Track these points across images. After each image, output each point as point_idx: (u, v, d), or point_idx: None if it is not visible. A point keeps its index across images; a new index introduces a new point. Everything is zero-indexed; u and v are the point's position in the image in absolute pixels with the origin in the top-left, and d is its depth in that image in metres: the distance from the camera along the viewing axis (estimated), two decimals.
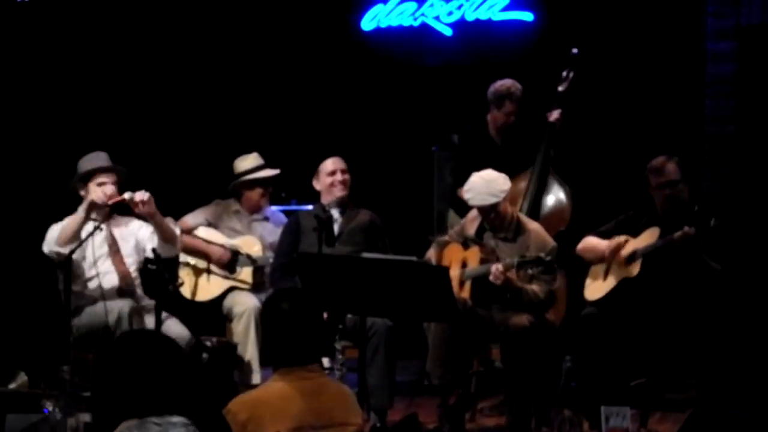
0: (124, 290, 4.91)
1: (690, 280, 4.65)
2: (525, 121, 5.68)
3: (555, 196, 5.57)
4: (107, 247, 4.95)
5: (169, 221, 5.05)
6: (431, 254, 5.19)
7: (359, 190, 5.39)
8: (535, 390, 4.65)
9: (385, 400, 4.76)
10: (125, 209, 5.03)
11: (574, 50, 5.62)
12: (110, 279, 4.91)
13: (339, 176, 5.20)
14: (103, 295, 4.83)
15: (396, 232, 5.49)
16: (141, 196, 4.77)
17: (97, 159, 4.99)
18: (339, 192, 5.19)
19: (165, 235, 4.91)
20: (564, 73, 5.61)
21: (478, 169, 5.10)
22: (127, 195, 4.80)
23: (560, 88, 5.60)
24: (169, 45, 7.18)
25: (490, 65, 6.25)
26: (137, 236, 5.04)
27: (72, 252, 4.66)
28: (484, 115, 5.76)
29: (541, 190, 5.53)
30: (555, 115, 5.57)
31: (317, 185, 5.29)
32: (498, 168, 5.04)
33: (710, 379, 4.76)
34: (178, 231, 5.06)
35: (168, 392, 2.49)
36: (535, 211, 5.42)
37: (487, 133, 5.74)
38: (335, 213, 5.19)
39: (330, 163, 5.24)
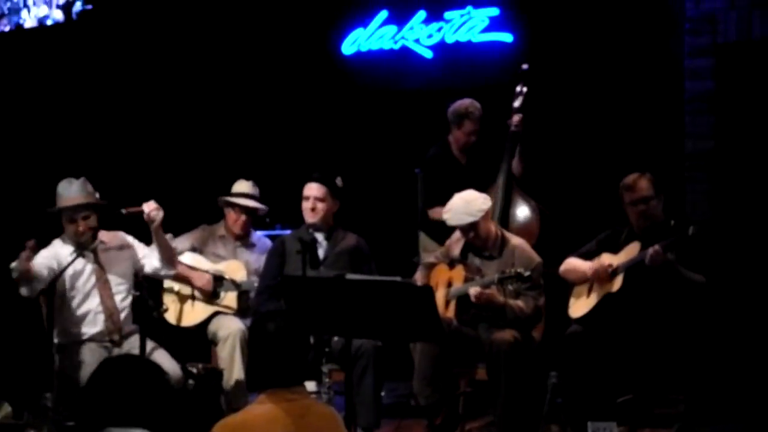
0: (111, 330, 4.86)
1: (672, 294, 4.67)
2: (488, 139, 5.73)
3: (521, 212, 5.60)
4: (95, 279, 4.89)
5: (168, 238, 5.05)
6: (418, 276, 5.21)
7: (343, 213, 5.40)
8: (521, 406, 4.65)
9: (372, 421, 4.76)
10: (113, 226, 5.02)
11: (525, 66, 5.70)
12: (98, 320, 4.84)
13: (310, 203, 5.17)
14: (91, 338, 4.82)
15: (380, 255, 5.50)
16: (151, 206, 4.83)
17: (73, 188, 4.86)
18: (309, 218, 5.17)
19: (165, 254, 4.91)
20: (518, 89, 5.68)
21: (445, 189, 5.16)
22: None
23: (515, 104, 5.66)
24: (152, 70, 7.22)
25: (471, 87, 6.29)
26: (133, 260, 4.98)
27: (54, 280, 4.62)
28: (446, 136, 5.83)
29: (507, 203, 5.56)
30: (515, 119, 5.61)
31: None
32: (464, 187, 5.08)
33: (697, 393, 4.77)
34: (178, 247, 5.11)
35: (153, 417, 2.48)
36: (503, 225, 5.43)
37: (450, 153, 5.82)
38: (319, 236, 5.19)
39: (306, 189, 5.22)
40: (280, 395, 2.88)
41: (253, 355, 2.97)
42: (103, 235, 4.99)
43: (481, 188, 5.27)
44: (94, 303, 4.87)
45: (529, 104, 5.72)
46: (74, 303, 4.84)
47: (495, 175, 5.63)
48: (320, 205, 5.16)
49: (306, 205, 5.18)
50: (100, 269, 4.89)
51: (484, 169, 5.70)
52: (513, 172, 5.66)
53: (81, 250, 4.82)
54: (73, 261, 4.75)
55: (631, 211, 4.83)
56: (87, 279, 4.87)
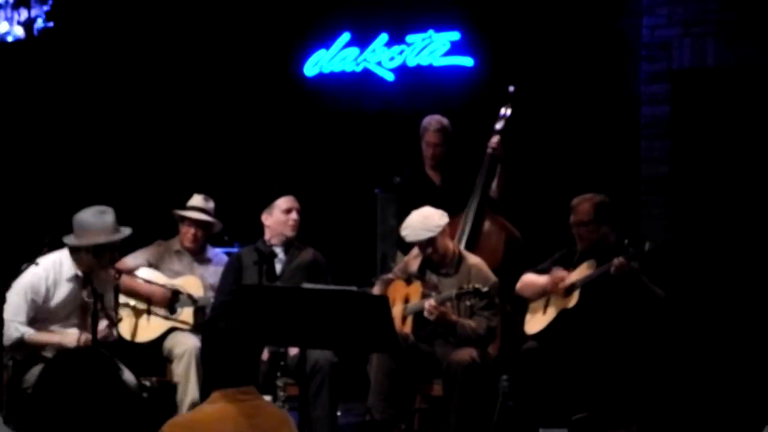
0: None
1: (628, 309, 4.71)
2: (463, 161, 5.76)
3: (488, 236, 5.59)
4: (80, 311, 4.77)
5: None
6: (376, 291, 5.20)
7: (303, 232, 5.40)
8: (475, 425, 4.64)
9: None
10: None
11: (511, 88, 5.71)
12: (71, 341, 4.70)
13: (294, 215, 5.18)
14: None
15: (340, 274, 5.49)
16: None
17: (102, 221, 4.71)
18: (290, 231, 5.16)
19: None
20: (501, 111, 5.70)
21: (418, 208, 5.16)
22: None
23: (497, 126, 5.67)
24: (113, 88, 7.22)
25: (431, 109, 6.33)
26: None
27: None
28: (420, 157, 5.86)
29: (476, 227, 5.56)
30: (494, 141, 5.61)
31: (267, 220, 5.23)
32: (437, 206, 5.09)
33: (651, 413, 4.80)
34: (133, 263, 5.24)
35: (107, 411, 2.45)
36: (469, 248, 5.44)
37: (423, 172, 5.82)
38: (278, 250, 5.18)
39: (287, 201, 5.21)
40: (231, 395, 2.86)
41: (205, 355, 2.95)
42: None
43: (453, 209, 5.29)
44: (72, 329, 4.76)
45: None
46: (52, 326, 4.75)
47: (469, 195, 5.62)
48: (298, 219, 5.19)
49: (292, 217, 5.16)
50: (89, 302, 4.71)
51: (457, 189, 5.68)
52: (490, 194, 5.66)
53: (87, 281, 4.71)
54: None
55: (573, 231, 4.90)
56: (73, 309, 4.77)
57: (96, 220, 4.70)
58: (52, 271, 4.71)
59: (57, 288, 4.72)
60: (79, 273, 4.71)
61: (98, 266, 4.73)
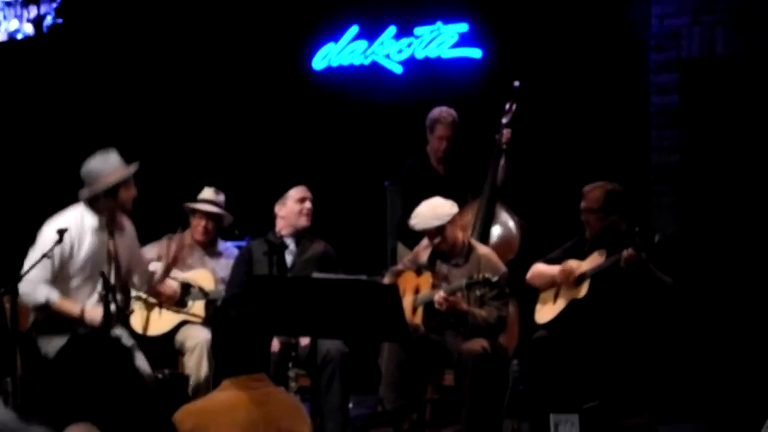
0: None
1: (638, 299, 4.71)
2: (468, 152, 5.77)
3: (503, 226, 5.62)
4: (111, 252, 4.72)
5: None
6: (386, 282, 5.21)
7: (313, 225, 5.41)
8: (487, 416, 4.65)
9: (339, 427, 4.74)
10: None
11: (516, 83, 5.73)
12: (93, 318, 4.62)
13: (308, 204, 5.18)
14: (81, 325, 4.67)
15: (350, 266, 5.50)
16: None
17: (115, 157, 4.74)
18: (305, 221, 5.17)
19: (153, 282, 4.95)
20: (507, 106, 5.71)
21: (424, 199, 5.19)
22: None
23: (504, 120, 5.69)
24: (123, 84, 7.25)
25: (439, 101, 6.34)
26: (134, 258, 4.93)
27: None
28: (425, 148, 5.87)
29: (489, 217, 5.58)
30: (505, 135, 5.62)
31: (281, 210, 5.24)
32: (442, 197, 5.10)
33: (661, 401, 4.80)
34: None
35: (118, 399, 2.47)
36: (483, 239, 5.46)
37: (429, 164, 5.83)
38: (289, 242, 5.19)
39: (300, 191, 5.22)
40: (243, 382, 2.88)
41: (215, 343, 2.97)
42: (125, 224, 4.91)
43: (459, 199, 5.30)
44: (96, 285, 4.70)
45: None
46: (77, 279, 4.70)
47: (474, 186, 5.64)
48: (312, 208, 5.19)
49: (306, 206, 5.16)
50: (112, 252, 4.72)
51: (462, 180, 5.71)
52: (497, 184, 5.68)
53: (111, 226, 4.70)
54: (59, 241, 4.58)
55: (582, 218, 4.90)
56: (99, 260, 4.69)
57: (104, 164, 4.71)
58: (75, 226, 4.67)
59: (81, 242, 4.68)
60: (101, 223, 4.69)
61: (118, 207, 4.72)
